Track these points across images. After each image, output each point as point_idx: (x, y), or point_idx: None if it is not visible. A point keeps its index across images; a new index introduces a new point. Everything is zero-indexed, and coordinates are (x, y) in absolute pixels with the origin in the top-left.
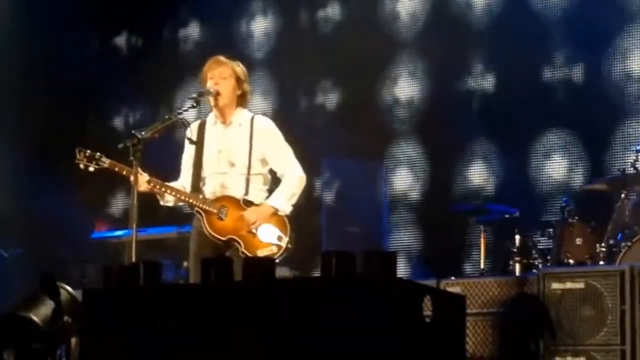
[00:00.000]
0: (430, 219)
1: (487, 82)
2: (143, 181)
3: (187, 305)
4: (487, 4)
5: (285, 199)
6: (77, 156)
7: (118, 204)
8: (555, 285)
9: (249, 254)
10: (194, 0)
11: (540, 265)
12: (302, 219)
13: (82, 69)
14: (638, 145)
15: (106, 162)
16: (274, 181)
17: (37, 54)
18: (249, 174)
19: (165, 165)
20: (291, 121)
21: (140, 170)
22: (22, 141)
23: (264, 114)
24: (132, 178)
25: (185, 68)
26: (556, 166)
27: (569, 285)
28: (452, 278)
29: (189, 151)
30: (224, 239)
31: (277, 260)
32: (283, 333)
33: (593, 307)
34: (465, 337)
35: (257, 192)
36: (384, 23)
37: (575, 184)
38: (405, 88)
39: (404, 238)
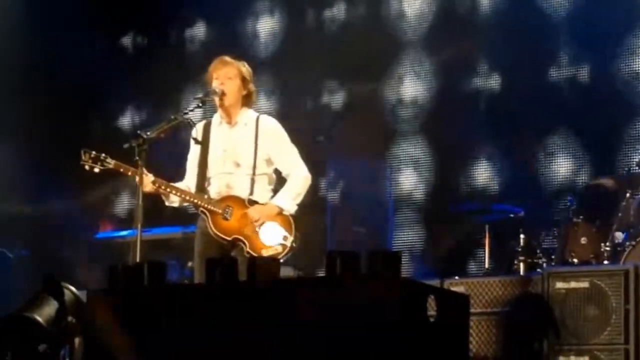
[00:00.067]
0: (435, 219)
1: (493, 82)
2: (148, 181)
3: (192, 306)
4: (493, 4)
5: (291, 199)
6: (83, 157)
7: (123, 204)
8: (560, 285)
9: (254, 254)
10: (200, 0)
11: (544, 265)
12: (307, 219)
13: (87, 69)
14: None
15: (111, 163)
16: (279, 181)
17: (41, 54)
18: (254, 174)
19: (170, 166)
20: (296, 121)
21: (145, 171)
22: (27, 142)
23: (269, 114)
24: (137, 178)
25: (190, 68)
26: (561, 166)
27: (573, 284)
28: (456, 277)
29: (194, 151)
30: (229, 238)
31: (281, 260)
32: (287, 333)
33: (597, 307)
34: (469, 336)
35: (262, 192)
36: (390, 23)
37: (580, 184)
38: (411, 88)
39: (408, 238)
